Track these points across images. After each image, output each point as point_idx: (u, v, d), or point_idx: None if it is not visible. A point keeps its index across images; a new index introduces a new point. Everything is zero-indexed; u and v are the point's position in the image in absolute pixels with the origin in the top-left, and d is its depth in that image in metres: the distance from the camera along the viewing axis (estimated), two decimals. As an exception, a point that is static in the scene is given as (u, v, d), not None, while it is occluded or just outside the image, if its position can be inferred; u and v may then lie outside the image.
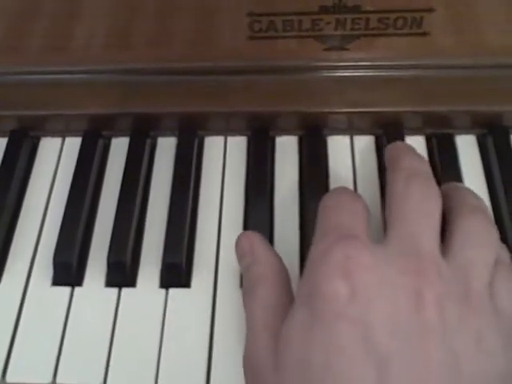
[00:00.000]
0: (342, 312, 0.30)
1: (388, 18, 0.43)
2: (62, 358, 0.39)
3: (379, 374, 0.29)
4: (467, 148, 0.47)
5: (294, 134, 0.48)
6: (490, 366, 0.31)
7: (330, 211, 0.36)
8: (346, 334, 0.30)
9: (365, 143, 0.48)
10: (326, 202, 0.37)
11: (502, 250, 0.36)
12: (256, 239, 0.39)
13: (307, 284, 0.33)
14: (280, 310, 0.35)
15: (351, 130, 0.48)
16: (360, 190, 0.45)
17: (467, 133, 0.47)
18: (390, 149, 0.41)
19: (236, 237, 0.42)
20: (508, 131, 0.47)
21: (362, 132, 0.48)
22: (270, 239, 0.43)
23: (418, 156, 0.40)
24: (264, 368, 0.33)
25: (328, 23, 0.43)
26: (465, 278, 0.33)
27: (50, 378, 0.39)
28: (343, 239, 0.33)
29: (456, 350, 0.30)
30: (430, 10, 0.42)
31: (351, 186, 0.45)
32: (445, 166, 0.45)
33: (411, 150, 0.40)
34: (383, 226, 0.41)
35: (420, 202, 0.35)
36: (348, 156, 0.47)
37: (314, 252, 0.34)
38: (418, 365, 0.29)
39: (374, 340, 0.30)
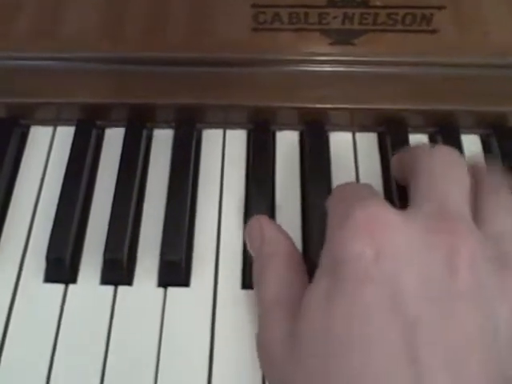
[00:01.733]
0: (367, 273, 0.29)
1: (397, 14, 0.42)
2: (55, 359, 0.38)
3: (408, 340, 0.27)
4: (471, 148, 0.46)
5: (296, 129, 0.48)
6: None
7: (339, 190, 0.36)
8: (371, 297, 0.29)
9: (368, 140, 0.47)
10: (335, 189, 0.37)
11: None
12: (265, 221, 0.39)
13: (328, 251, 0.32)
14: (294, 285, 0.34)
15: (354, 126, 0.47)
16: (362, 188, 0.44)
17: (471, 132, 0.47)
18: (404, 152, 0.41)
19: (236, 233, 0.42)
20: (512, 132, 0.47)
21: (365, 129, 0.47)
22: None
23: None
24: (279, 343, 0.32)
25: (335, 17, 0.42)
26: (500, 244, 0.32)
27: (43, 379, 0.37)
28: (363, 199, 0.32)
29: (493, 318, 0.29)
30: (441, 8, 0.41)
31: (353, 184, 0.45)
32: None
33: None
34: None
35: (448, 168, 0.34)
36: (350, 152, 0.46)
37: (332, 218, 0.33)
38: (451, 330, 0.28)
39: (402, 303, 0.28)
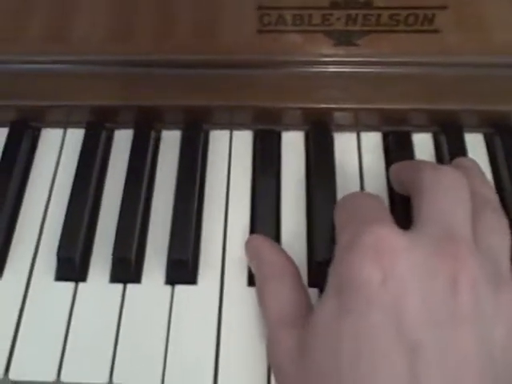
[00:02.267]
0: (374, 298, 0.30)
1: (399, 15, 0.42)
2: (66, 355, 0.39)
3: (411, 363, 0.28)
4: (475, 146, 0.46)
5: (301, 130, 0.48)
6: None
7: (347, 204, 0.36)
8: (378, 321, 0.30)
9: (372, 140, 0.47)
10: (342, 199, 0.37)
11: None
12: (260, 241, 0.40)
13: (337, 273, 0.33)
14: (295, 303, 0.35)
15: (358, 126, 0.48)
16: (367, 186, 0.45)
17: (475, 131, 0.47)
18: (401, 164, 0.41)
19: (242, 232, 0.43)
20: (516, 130, 0.47)
21: (370, 128, 0.48)
22: (277, 234, 0.43)
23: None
24: (287, 358, 0.33)
25: (338, 18, 0.43)
26: (494, 265, 0.32)
27: (53, 376, 0.38)
28: (370, 223, 0.32)
29: (491, 339, 0.30)
30: (443, 8, 0.42)
31: (358, 183, 0.45)
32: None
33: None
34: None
35: (452, 189, 0.35)
36: (355, 152, 0.47)
37: (340, 242, 0.34)
38: (451, 353, 0.29)
39: (406, 328, 0.29)
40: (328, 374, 0.30)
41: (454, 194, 0.35)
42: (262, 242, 0.40)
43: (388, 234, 0.32)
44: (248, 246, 0.41)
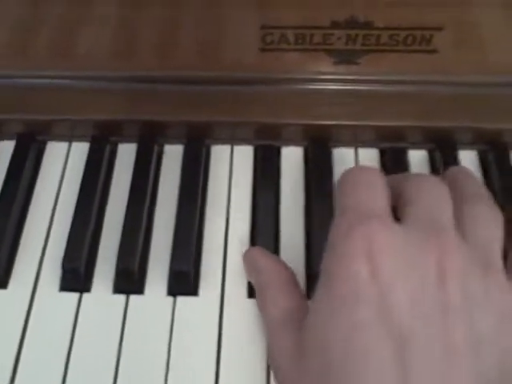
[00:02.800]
0: (363, 292, 0.31)
1: (398, 35, 0.43)
2: (70, 364, 0.39)
3: (399, 355, 0.29)
4: (469, 163, 0.47)
5: (300, 145, 0.49)
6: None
7: (348, 187, 0.37)
8: (366, 315, 0.30)
9: (369, 156, 0.48)
10: (344, 178, 0.38)
11: None
12: (255, 252, 0.41)
13: (328, 267, 0.34)
14: (290, 307, 0.36)
15: (356, 142, 0.49)
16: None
17: (469, 148, 0.48)
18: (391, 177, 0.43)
19: (242, 244, 0.44)
20: (509, 148, 0.48)
21: (367, 145, 0.49)
22: (276, 247, 0.44)
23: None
24: (286, 357, 0.34)
25: (339, 38, 0.44)
26: (483, 255, 0.33)
27: (58, 385, 0.39)
28: (364, 220, 0.33)
29: (480, 327, 0.30)
30: (440, 29, 0.43)
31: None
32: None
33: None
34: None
35: (433, 187, 0.36)
36: (353, 167, 0.48)
37: (334, 233, 0.35)
38: (439, 344, 0.29)
39: (394, 321, 0.30)
40: (321, 371, 0.31)
41: (435, 194, 0.36)
42: (259, 253, 0.41)
43: (378, 231, 0.32)
44: (245, 257, 0.42)
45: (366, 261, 0.31)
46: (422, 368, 0.29)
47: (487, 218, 0.36)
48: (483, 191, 0.39)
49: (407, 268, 0.31)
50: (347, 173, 0.38)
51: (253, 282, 0.40)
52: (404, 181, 0.38)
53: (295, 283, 0.39)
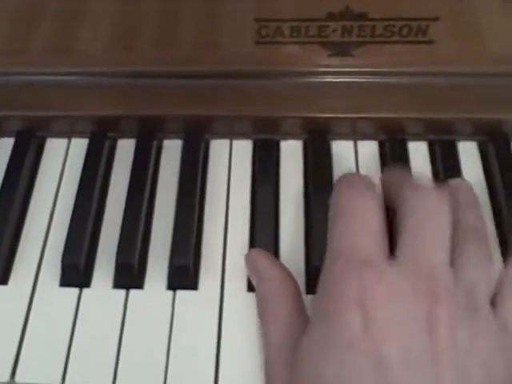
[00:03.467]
0: (355, 342, 0.31)
1: (394, 26, 0.43)
2: (70, 359, 0.39)
3: None
4: (469, 154, 0.47)
5: (299, 138, 0.49)
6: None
7: (341, 222, 0.36)
8: (358, 363, 0.30)
9: (369, 148, 0.48)
10: (337, 203, 0.38)
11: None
12: (260, 256, 0.41)
13: (322, 305, 0.34)
14: (294, 326, 0.36)
15: (355, 134, 0.48)
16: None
17: (469, 139, 0.48)
18: (389, 175, 0.42)
19: (242, 238, 0.44)
20: (508, 138, 0.47)
21: (366, 137, 0.49)
22: (276, 241, 0.44)
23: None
24: (279, 381, 0.34)
25: (334, 30, 0.44)
26: (471, 297, 0.33)
27: (58, 380, 0.39)
28: (357, 267, 0.33)
29: (468, 372, 0.31)
30: (435, 19, 0.43)
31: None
32: (446, 171, 0.46)
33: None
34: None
35: (432, 215, 0.35)
36: (352, 160, 0.48)
37: (326, 277, 0.35)
38: None
39: (386, 371, 0.30)
40: None
41: (434, 220, 0.35)
42: (262, 257, 0.40)
43: (373, 282, 0.32)
44: (248, 260, 0.41)
45: (359, 311, 0.31)
46: None
47: (478, 257, 0.36)
48: (478, 222, 0.38)
49: (399, 318, 0.31)
50: (339, 194, 0.38)
51: (254, 285, 0.40)
52: (404, 189, 0.37)
53: (299, 297, 0.38)
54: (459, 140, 0.48)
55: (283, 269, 0.40)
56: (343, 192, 0.38)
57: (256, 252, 0.41)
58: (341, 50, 0.45)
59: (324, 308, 0.33)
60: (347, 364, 0.31)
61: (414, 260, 0.34)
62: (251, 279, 0.41)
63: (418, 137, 0.48)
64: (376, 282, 0.32)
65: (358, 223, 0.36)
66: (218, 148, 0.49)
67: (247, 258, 0.41)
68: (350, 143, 0.49)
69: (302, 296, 0.38)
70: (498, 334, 0.33)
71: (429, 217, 0.35)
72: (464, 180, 0.44)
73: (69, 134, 0.50)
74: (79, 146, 0.49)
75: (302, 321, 0.36)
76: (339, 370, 0.31)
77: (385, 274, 0.33)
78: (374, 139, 0.49)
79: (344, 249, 0.35)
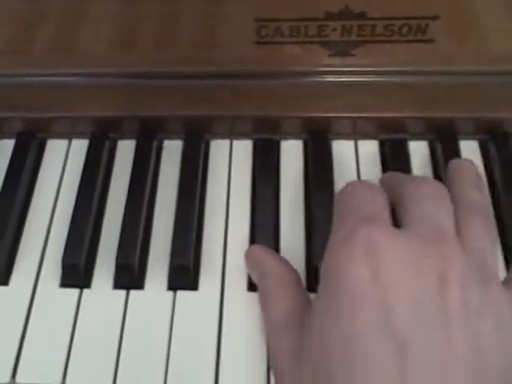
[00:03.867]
0: (363, 297, 0.31)
1: (393, 25, 0.43)
2: (71, 359, 0.39)
3: (399, 359, 0.29)
4: (470, 153, 0.47)
5: (300, 138, 0.49)
6: (510, 350, 0.31)
7: (347, 197, 0.37)
8: (366, 321, 0.30)
9: (369, 147, 0.48)
10: (343, 190, 0.38)
11: None
12: (261, 251, 0.41)
13: (328, 270, 0.34)
14: (295, 308, 0.36)
15: (356, 134, 0.48)
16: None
17: (470, 138, 0.48)
18: (388, 175, 0.43)
19: (242, 238, 0.44)
20: (510, 137, 0.47)
21: (367, 136, 0.48)
22: (276, 241, 0.44)
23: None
24: (287, 360, 0.34)
25: (334, 29, 0.44)
26: (482, 265, 0.33)
27: (59, 380, 0.39)
28: (365, 222, 0.33)
29: (479, 334, 0.30)
30: (435, 18, 0.43)
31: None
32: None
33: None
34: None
35: (434, 197, 0.36)
36: (352, 160, 0.48)
37: (334, 236, 0.35)
38: (439, 349, 0.29)
39: (394, 324, 0.30)
40: (321, 374, 0.31)
41: (436, 200, 0.36)
42: (263, 253, 0.40)
43: (380, 234, 0.32)
44: (248, 256, 0.41)
45: (367, 263, 0.31)
46: (421, 373, 0.29)
47: (483, 230, 0.36)
48: (481, 199, 0.39)
49: (409, 272, 0.31)
50: (345, 186, 0.38)
51: (255, 281, 0.40)
52: (404, 183, 0.38)
53: (299, 285, 0.38)
54: (460, 139, 0.48)
55: (284, 262, 0.40)
56: (347, 189, 0.38)
57: (257, 248, 0.41)
58: (341, 49, 0.45)
59: (332, 267, 0.33)
60: (354, 320, 0.30)
61: (422, 225, 0.34)
62: (251, 275, 0.41)
63: (418, 136, 0.48)
64: (384, 234, 0.32)
65: (361, 191, 0.37)
66: (219, 148, 0.49)
67: (248, 254, 0.41)
68: (351, 143, 0.49)
69: (303, 286, 0.38)
70: (509, 303, 0.33)
71: (431, 198, 0.36)
72: (466, 160, 0.44)
73: (69, 135, 0.50)
74: (80, 146, 0.49)
75: (304, 303, 0.36)
76: (345, 330, 0.31)
77: (392, 229, 0.33)
78: (375, 139, 0.49)
79: (348, 210, 0.35)
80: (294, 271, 0.39)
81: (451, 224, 0.35)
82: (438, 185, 0.37)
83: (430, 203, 0.35)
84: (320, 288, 0.34)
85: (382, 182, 0.42)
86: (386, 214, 0.35)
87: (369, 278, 0.31)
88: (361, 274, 0.31)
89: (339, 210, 0.37)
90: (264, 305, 0.38)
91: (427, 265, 0.31)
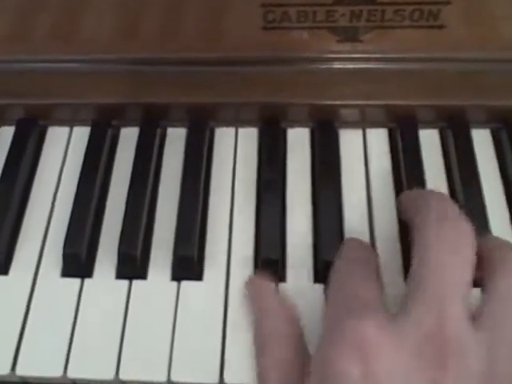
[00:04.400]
0: None
1: (404, 10, 0.42)
2: (72, 350, 0.39)
3: None
4: (482, 142, 0.46)
5: (306, 126, 0.48)
6: None
7: (343, 283, 0.35)
8: None
9: (378, 136, 0.47)
10: (338, 269, 0.36)
11: None
12: (263, 288, 0.39)
13: (321, 359, 0.32)
14: (294, 368, 0.34)
15: (364, 122, 0.48)
16: (372, 182, 0.45)
17: (482, 127, 0.47)
18: (410, 194, 0.40)
19: (247, 228, 0.43)
20: (524, 126, 0.46)
21: (375, 125, 0.48)
22: (283, 231, 0.43)
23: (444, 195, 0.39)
24: None
25: (342, 15, 0.43)
26: (491, 355, 0.30)
27: (60, 371, 0.38)
28: (359, 316, 0.31)
29: None
30: (447, 3, 0.42)
31: (363, 179, 0.45)
32: (460, 160, 0.44)
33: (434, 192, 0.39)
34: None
35: (449, 254, 0.33)
36: (360, 149, 0.47)
37: (328, 323, 0.33)
38: None
39: None
40: None
41: (450, 259, 0.32)
42: (264, 289, 0.39)
43: (374, 333, 0.30)
44: (249, 287, 0.40)
45: (358, 362, 0.29)
46: None
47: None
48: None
49: (399, 375, 0.29)
50: (339, 263, 0.36)
51: (253, 314, 0.39)
52: (425, 216, 0.35)
53: (303, 338, 0.36)
54: (472, 127, 0.47)
55: (287, 303, 0.38)
56: (342, 271, 0.36)
57: (259, 280, 0.40)
58: (349, 35, 0.44)
59: (322, 362, 0.32)
60: None
61: (423, 312, 0.31)
62: (250, 308, 0.39)
63: (429, 124, 0.47)
64: (378, 332, 0.30)
65: (356, 271, 0.35)
66: (224, 136, 0.48)
67: (249, 284, 0.40)
68: (359, 131, 0.48)
69: (304, 338, 0.37)
70: None
71: (448, 252, 0.32)
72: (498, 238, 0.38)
73: (71, 122, 0.49)
74: (81, 134, 0.49)
75: (302, 359, 0.35)
76: None
77: (387, 324, 0.31)
78: (384, 127, 0.48)
79: (343, 297, 0.34)
80: (297, 319, 0.37)
81: (461, 295, 0.31)
82: (461, 229, 0.33)
83: (444, 262, 0.32)
84: (311, 375, 0.32)
85: (403, 201, 0.41)
86: (380, 300, 0.33)
87: (359, 377, 0.29)
88: (351, 371, 0.29)
89: (333, 297, 0.35)
90: (260, 349, 0.36)
91: (420, 371, 0.29)
